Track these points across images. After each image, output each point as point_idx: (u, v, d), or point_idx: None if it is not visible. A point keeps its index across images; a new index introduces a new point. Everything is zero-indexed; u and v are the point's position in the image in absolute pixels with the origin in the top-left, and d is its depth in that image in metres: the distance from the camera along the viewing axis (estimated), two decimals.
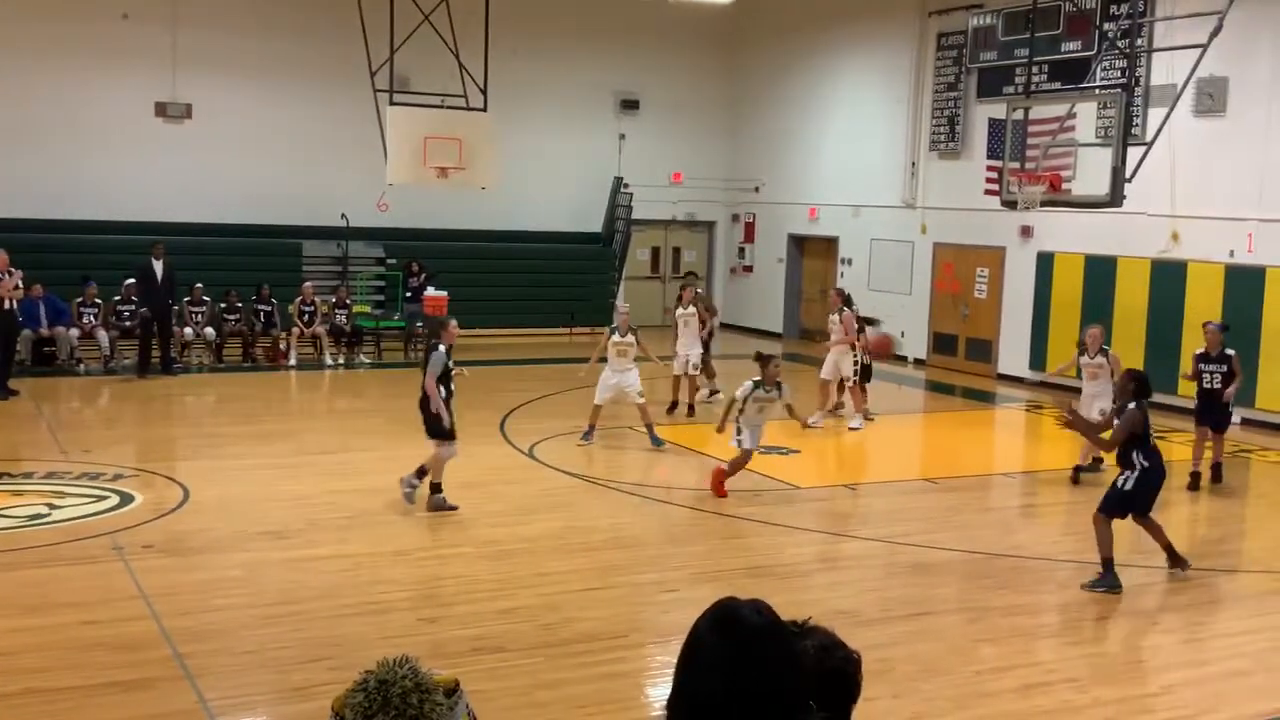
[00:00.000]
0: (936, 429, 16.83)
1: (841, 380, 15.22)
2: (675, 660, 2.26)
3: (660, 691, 6.79)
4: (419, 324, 21.19)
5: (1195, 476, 12.28)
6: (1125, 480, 9.02)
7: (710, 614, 2.22)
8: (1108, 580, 8.87)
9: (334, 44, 20.62)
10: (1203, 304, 16.48)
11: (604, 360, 13.82)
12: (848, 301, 15.48)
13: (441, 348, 10.65)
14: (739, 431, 11.30)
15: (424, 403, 10.63)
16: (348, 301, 20.31)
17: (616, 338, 13.80)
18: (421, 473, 10.74)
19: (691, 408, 15.62)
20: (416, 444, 13.47)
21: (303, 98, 22.04)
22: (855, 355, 15.06)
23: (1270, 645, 7.99)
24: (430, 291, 21.16)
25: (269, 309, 19.62)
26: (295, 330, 19.41)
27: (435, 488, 10.73)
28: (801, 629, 2.57)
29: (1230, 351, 12.41)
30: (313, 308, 19.73)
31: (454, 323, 11.04)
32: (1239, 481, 12.65)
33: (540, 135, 23.89)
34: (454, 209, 22.69)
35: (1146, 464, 8.98)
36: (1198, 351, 12.53)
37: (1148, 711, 6.86)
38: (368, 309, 21.33)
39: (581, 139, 24.63)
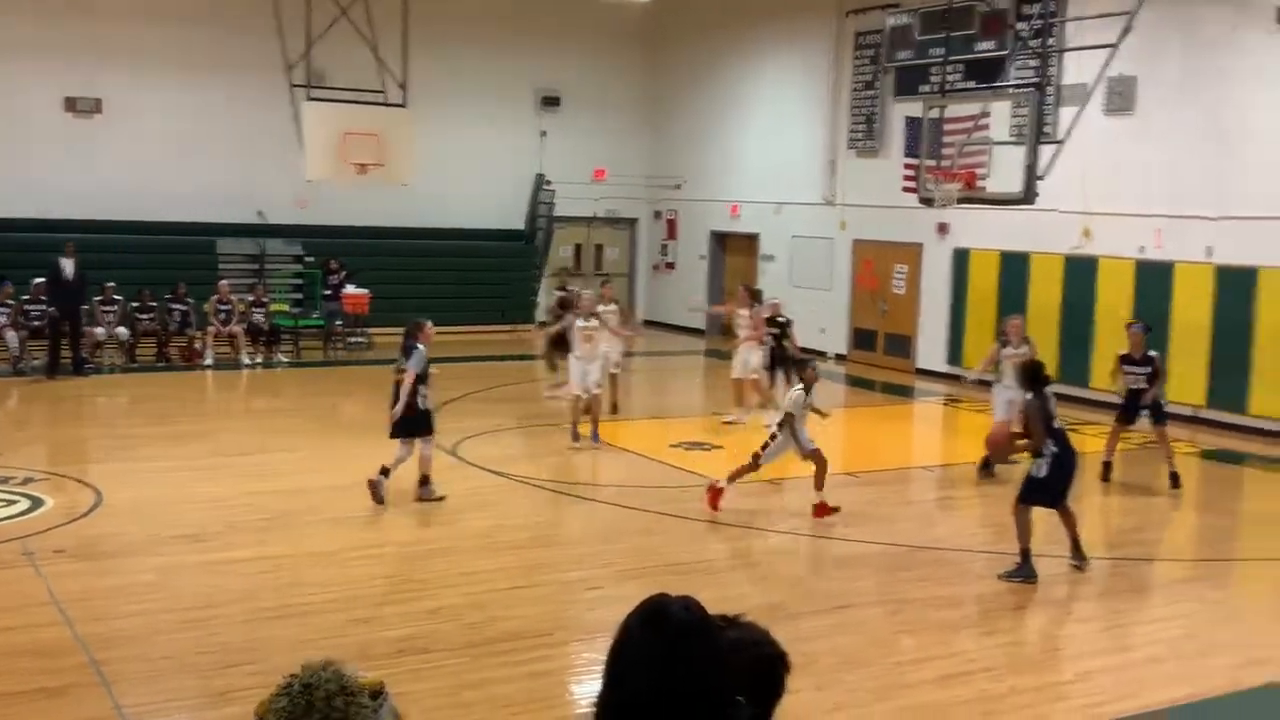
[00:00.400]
0: (857, 423, 17.02)
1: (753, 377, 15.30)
2: (602, 658, 2.26)
3: (587, 689, 6.79)
4: (338, 322, 20.96)
5: (1107, 467, 12.59)
6: (1039, 468, 9.21)
7: (640, 611, 2.23)
8: (1024, 571, 9.06)
9: (249, 38, 20.26)
10: (1114, 299, 16.89)
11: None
12: (756, 297, 15.65)
13: (421, 347, 10.75)
14: (773, 439, 10.98)
15: (396, 402, 10.73)
16: (265, 300, 19.99)
17: (581, 322, 13.83)
18: (386, 471, 10.80)
19: (615, 405, 15.65)
20: (337, 443, 13.32)
21: (218, 92, 21.62)
22: (763, 351, 15.26)
23: (1183, 632, 8.20)
24: (350, 289, 20.94)
25: (184, 308, 19.26)
26: (211, 329, 19.07)
27: (426, 479, 10.95)
28: (731, 624, 2.58)
29: (1153, 353, 12.68)
30: (229, 306, 19.41)
31: (429, 323, 11.05)
32: (1152, 472, 12.97)
33: (461, 132, 23.73)
34: (374, 206, 22.45)
35: (1056, 449, 9.17)
36: (1121, 353, 12.76)
37: (1063, 699, 7.01)
38: (286, 307, 21.02)
39: (503, 136, 24.52)
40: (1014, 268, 18.60)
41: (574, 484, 12.03)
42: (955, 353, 19.57)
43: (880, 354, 21.38)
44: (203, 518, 10.25)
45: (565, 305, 15.48)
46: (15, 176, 20.23)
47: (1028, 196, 14.87)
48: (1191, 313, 16.16)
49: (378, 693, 2.17)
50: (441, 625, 7.78)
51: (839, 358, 21.83)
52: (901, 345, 20.97)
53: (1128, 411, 12.63)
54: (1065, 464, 9.23)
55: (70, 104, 20.93)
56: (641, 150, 26.21)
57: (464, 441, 13.58)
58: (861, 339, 21.81)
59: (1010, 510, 9.33)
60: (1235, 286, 15.70)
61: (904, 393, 19.10)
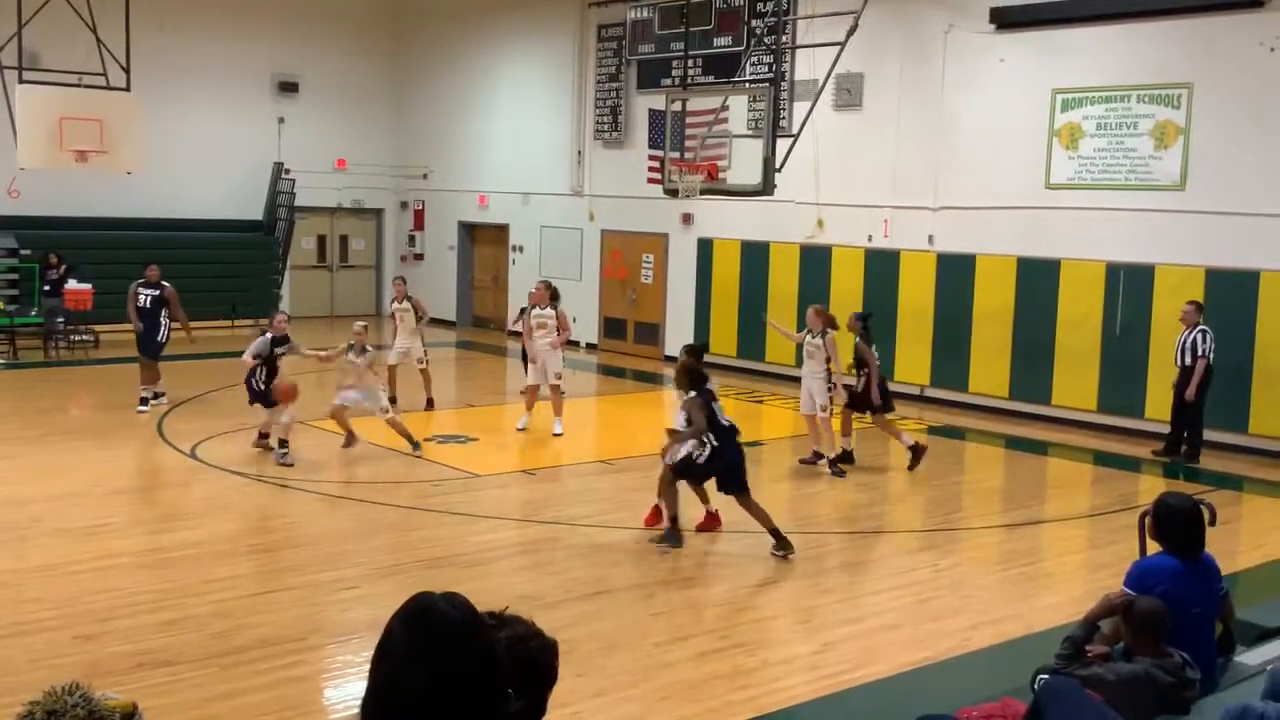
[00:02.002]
0: (609, 411, 17.25)
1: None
2: (359, 659, 2.22)
3: (344, 693, 6.62)
4: (59, 319, 19.66)
5: (848, 454, 13.10)
6: (699, 455, 9.61)
7: (404, 610, 2.19)
8: (670, 537, 9.66)
9: None
10: (846, 285, 17.75)
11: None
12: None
13: (268, 334, 12.61)
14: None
15: (248, 379, 12.50)
16: None
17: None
18: (264, 437, 12.47)
19: (430, 401, 15.54)
20: (60, 449, 12.53)
21: None
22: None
23: (915, 599, 8.71)
24: (72, 284, 19.68)
25: None
26: None
27: (283, 443, 12.17)
28: (499, 620, 2.57)
29: (857, 340, 12.81)
30: None
31: (280, 315, 13.16)
32: (879, 451, 13.69)
33: (193, 117, 22.67)
34: (98, 196, 21.17)
35: (717, 444, 9.56)
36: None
37: (813, 669, 7.32)
38: (0, 304, 19.54)
39: (238, 122, 23.56)
40: (755, 256, 19.27)
41: (322, 482, 11.70)
42: (702, 339, 20.10)
43: (630, 342, 21.74)
44: None
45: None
46: None
47: (766, 188, 15.43)
48: (916, 298, 17.17)
49: (130, 714, 2.05)
50: (184, 636, 7.41)
51: (590, 346, 22.07)
52: (650, 333, 21.39)
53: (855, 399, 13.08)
54: (726, 457, 9.60)
55: None
56: (386, 139, 25.71)
57: (204, 442, 13.00)
58: (612, 328, 22.11)
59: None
60: (955, 272, 16.78)
61: (654, 380, 19.48)
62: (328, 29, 24.50)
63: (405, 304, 15.66)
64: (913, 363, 17.21)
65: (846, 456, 13.00)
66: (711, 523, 10.24)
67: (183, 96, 22.32)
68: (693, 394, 9.65)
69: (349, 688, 6.65)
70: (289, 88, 24.34)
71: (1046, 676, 4.94)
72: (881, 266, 17.57)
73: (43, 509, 10.26)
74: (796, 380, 13.56)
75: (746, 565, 9.35)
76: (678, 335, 20.71)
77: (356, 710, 2.25)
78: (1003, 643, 7.81)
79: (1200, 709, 4.84)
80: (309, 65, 24.47)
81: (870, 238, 17.74)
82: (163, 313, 14.99)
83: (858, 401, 13.00)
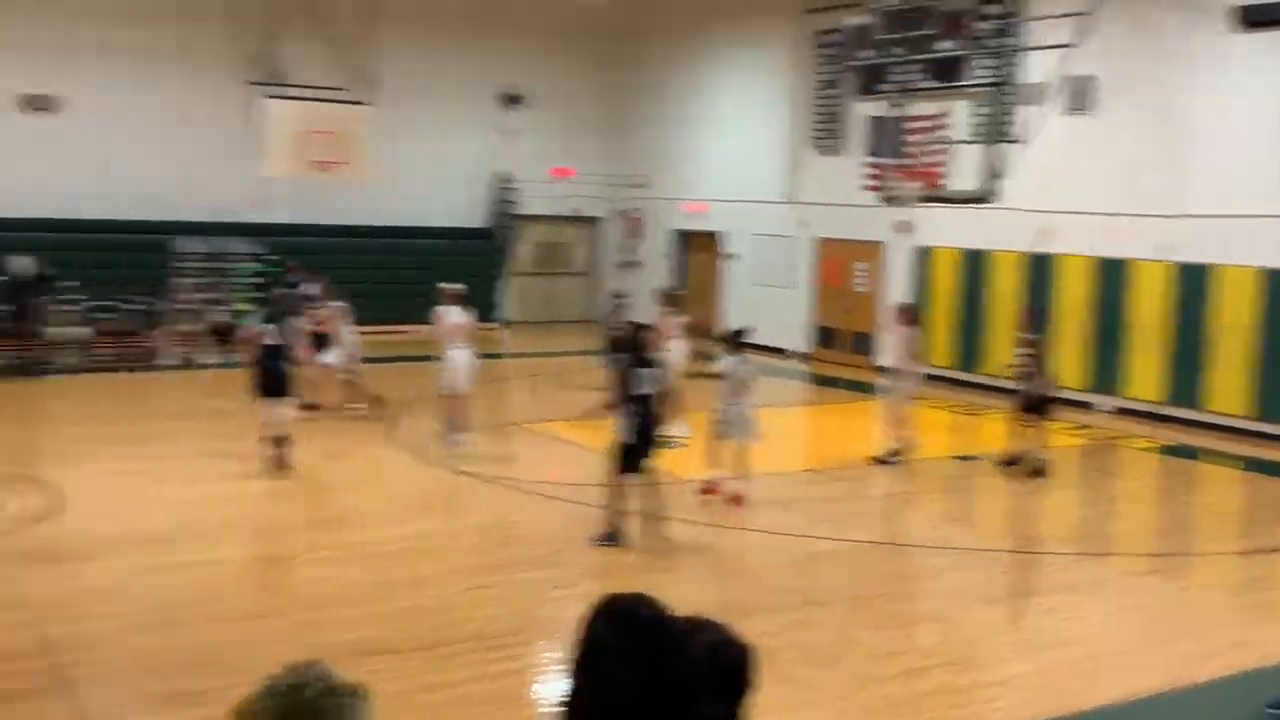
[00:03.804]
0: (819, 420, 17.09)
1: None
2: (567, 658, 2.26)
3: (552, 688, 6.78)
4: None
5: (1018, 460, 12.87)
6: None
7: (600, 610, 2.23)
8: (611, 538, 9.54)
9: (209, 34, 20.11)
10: (1072, 295, 17.06)
11: None
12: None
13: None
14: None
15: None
16: (225, 299, 19.83)
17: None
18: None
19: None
20: (299, 447, 13.23)
21: (176, 90, 21.39)
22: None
23: (1142, 623, 8.29)
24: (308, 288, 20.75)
25: (143, 307, 19.06)
26: (169, 329, 18.89)
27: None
28: (694, 624, 2.59)
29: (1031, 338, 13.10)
30: (188, 306, 19.23)
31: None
32: (1107, 466, 13.09)
33: (424, 129, 23.62)
34: (335, 204, 22.31)
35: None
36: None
37: (1030, 690, 7.06)
38: (245, 307, 20.85)
39: (466, 133, 24.44)
40: (975, 266, 18.75)
41: (540, 483, 12.01)
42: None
43: (843, 351, 21.48)
44: (164, 520, 10.15)
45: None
46: None
47: (988, 195, 14.99)
48: (1147, 309, 16.35)
49: (357, 694, 2.17)
50: (403, 626, 7.74)
51: (802, 356, 21.92)
52: (864, 343, 21.08)
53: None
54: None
55: (26, 102, 20.65)
56: (605, 149, 26.19)
57: (425, 441, 13.51)
58: (824, 336, 21.90)
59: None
60: (1191, 283, 15.90)
61: (866, 389, 19.17)
62: (552, 44, 25.16)
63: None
64: (1143, 377, 16.39)
65: (1018, 460, 12.79)
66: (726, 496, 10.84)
67: (414, 109, 23.29)
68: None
69: (558, 684, 6.81)
70: (515, 100, 25.12)
71: (1277, 711, 4.63)
72: (1110, 276, 16.81)
73: (281, 500, 10.90)
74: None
75: (962, 580, 9.11)
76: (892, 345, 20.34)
77: (558, 709, 2.30)
78: (1235, 673, 7.36)
79: None
80: (534, 78, 25.18)
81: (1094, 247, 17.00)
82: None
83: (1030, 404, 12.72)
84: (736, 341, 11.26)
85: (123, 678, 6.90)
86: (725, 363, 11.11)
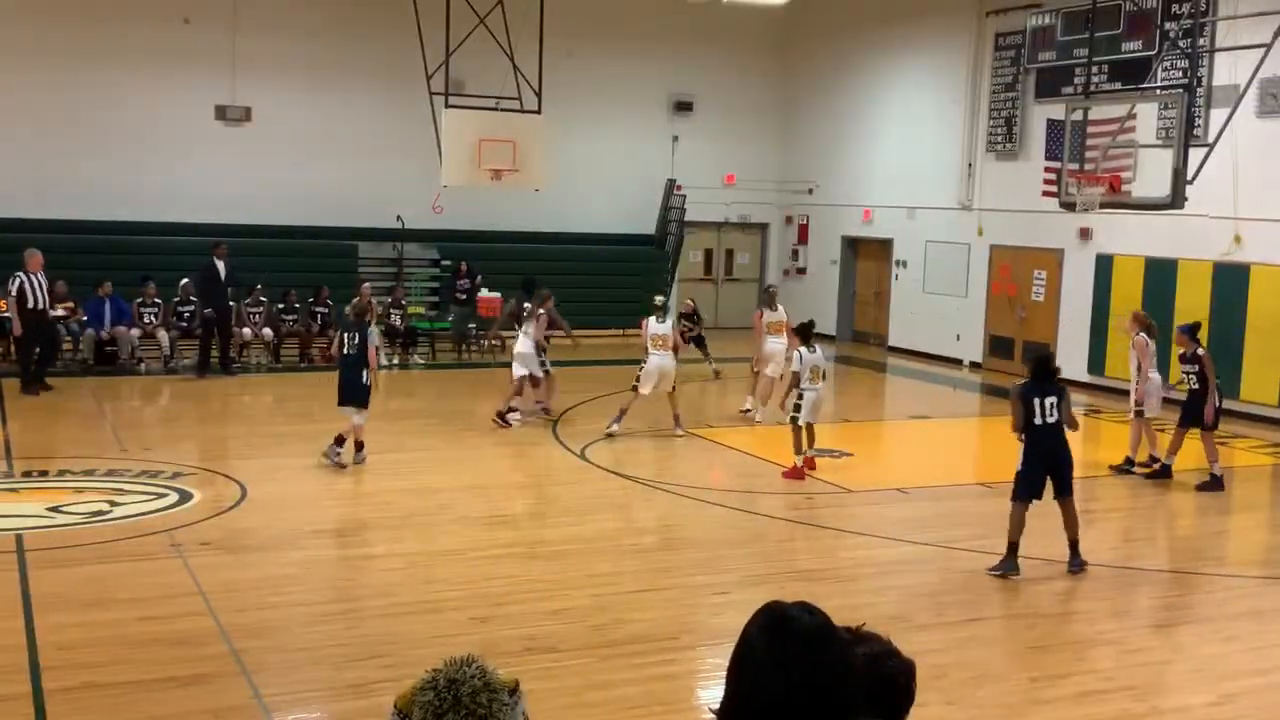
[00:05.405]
0: (991, 433, 16.62)
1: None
2: (726, 663, 2.25)
3: (711, 694, 6.77)
4: (470, 325, 21.31)
5: (1166, 468, 12.70)
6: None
7: (760, 617, 2.21)
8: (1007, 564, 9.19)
9: (390, 47, 20.82)
10: (1266, 306, 16.19)
11: None
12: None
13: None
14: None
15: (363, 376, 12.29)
16: (403, 303, 20.48)
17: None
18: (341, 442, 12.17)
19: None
20: (467, 444, 13.57)
21: (359, 101, 22.26)
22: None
23: None
24: (484, 293, 21.27)
25: (326, 310, 19.80)
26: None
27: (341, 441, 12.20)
28: (855, 635, 2.55)
29: (1201, 352, 12.59)
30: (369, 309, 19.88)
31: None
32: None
33: (593, 137, 23.94)
34: (508, 211, 22.79)
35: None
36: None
37: None
38: (422, 310, 21.49)
39: (635, 140, 24.66)
40: (1160, 274, 17.96)
41: (698, 488, 12.02)
42: (1097, 361, 18.99)
43: (1018, 362, 20.84)
44: (341, 514, 10.54)
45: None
46: (168, 182, 21.09)
47: (1175, 201, 14.37)
48: None
49: (514, 690, 2.21)
50: (568, 626, 7.85)
51: (974, 365, 21.38)
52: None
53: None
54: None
55: (221, 112, 21.75)
56: (773, 154, 26.09)
57: (592, 445, 13.69)
58: (997, 346, 21.31)
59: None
60: None
61: None
62: (721, 49, 25.18)
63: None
64: None
65: (1166, 471, 12.61)
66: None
67: (585, 117, 23.62)
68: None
69: (718, 690, 6.79)
70: (684, 107, 25.24)
71: None
72: None
73: (451, 498, 11.19)
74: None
75: (1138, 603, 8.74)
76: (1070, 356, 19.63)
77: (713, 715, 2.29)
78: None
79: None
80: (703, 84, 25.25)
81: None
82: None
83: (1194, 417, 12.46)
84: (807, 333, 12.57)
85: (298, 666, 7.18)
86: (798, 353, 12.34)
